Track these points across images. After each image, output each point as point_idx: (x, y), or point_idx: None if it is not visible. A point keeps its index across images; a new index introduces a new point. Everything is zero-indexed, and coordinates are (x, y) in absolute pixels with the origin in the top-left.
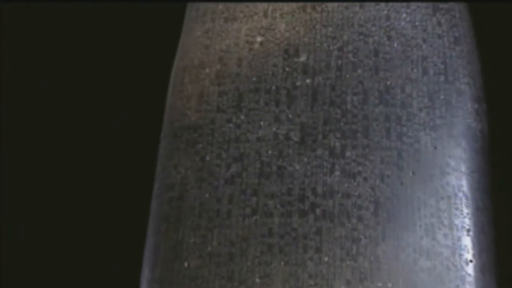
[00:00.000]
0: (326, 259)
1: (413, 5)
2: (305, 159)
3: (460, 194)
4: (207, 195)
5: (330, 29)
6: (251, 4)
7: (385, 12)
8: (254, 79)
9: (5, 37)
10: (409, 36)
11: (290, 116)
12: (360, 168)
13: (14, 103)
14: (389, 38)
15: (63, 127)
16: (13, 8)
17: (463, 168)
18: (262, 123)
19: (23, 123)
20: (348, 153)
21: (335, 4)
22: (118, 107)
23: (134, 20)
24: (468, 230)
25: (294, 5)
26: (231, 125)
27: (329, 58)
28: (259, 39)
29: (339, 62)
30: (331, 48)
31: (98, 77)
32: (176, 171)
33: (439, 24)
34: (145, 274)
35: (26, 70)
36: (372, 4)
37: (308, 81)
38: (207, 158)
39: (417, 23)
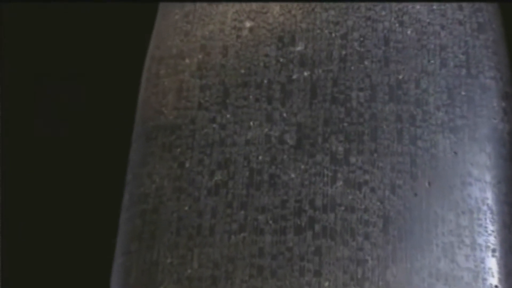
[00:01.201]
0: (326, 284)
1: None
2: (302, 166)
3: (484, 208)
4: (186, 208)
5: (332, 12)
6: None
7: None
8: (243, 71)
9: None
10: (425, 22)
11: (284, 115)
12: (366, 177)
13: None
14: (401, 24)
15: (16, 124)
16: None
17: (488, 177)
18: (251, 123)
19: None
20: (352, 159)
21: None
22: (80, 103)
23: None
24: (493, 251)
25: None
26: (215, 125)
27: (330, 47)
28: (248, 24)
29: (343, 52)
30: (333, 35)
31: (60, 69)
32: (150, 180)
33: (460, 8)
34: None
35: None
36: None
37: (306, 74)
38: (187, 164)
39: (434, 7)
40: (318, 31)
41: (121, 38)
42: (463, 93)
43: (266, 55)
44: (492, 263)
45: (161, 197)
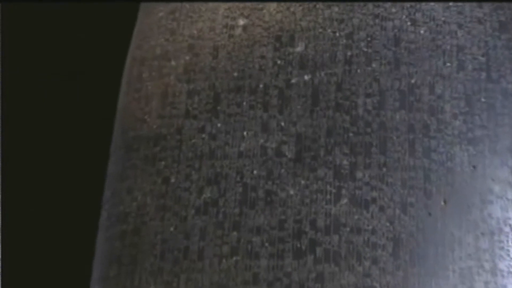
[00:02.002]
0: None
1: None
2: (302, 182)
3: (507, 229)
4: (172, 229)
5: (336, 9)
6: None
7: None
8: (235, 74)
9: None
10: (440, 20)
11: (282, 124)
12: (374, 194)
13: None
14: (413, 22)
15: None
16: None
17: (511, 194)
18: (245, 133)
19: None
20: (359, 174)
21: None
22: (54, 110)
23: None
24: None
25: None
26: (204, 135)
27: (334, 48)
28: (241, 22)
29: (348, 53)
30: (337, 34)
31: (32, 73)
32: (131, 197)
33: (480, 5)
34: None
35: None
36: None
37: (306, 77)
38: (172, 179)
39: (450, 4)
40: (320, 30)
41: (101, 38)
42: (482, 99)
43: (262, 57)
44: None
45: (143, 216)
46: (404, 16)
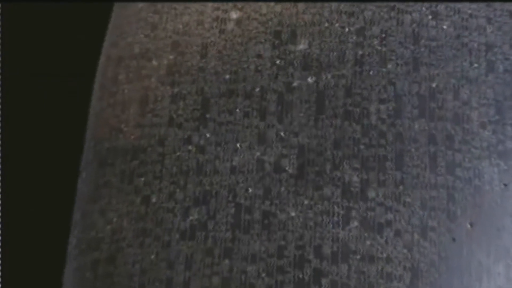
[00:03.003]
0: None
1: None
2: (305, 202)
3: None
4: (152, 257)
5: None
6: None
7: None
8: (227, 76)
9: None
10: (467, 13)
11: (282, 134)
12: (390, 216)
13: None
14: (435, 16)
15: None
16: None
17: None
18: (239, 145)
19: None
20: (371, 193)
21: None
22: (53, 111)
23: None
24: None
25: None
26: (191, 147)
27: (343, 46)
28: (234, 14)
29: (359, 51)
30: (347, 30)
31: (32, 73)
32: (105, 219)
33: None
34: None
35: None
36: None
37: (310, 80)
38: (153, 199)
39: None
40: (327, 24)
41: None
42: None
43: (259, 56)
44: None
45: (119, 242)
46: (424, 9)
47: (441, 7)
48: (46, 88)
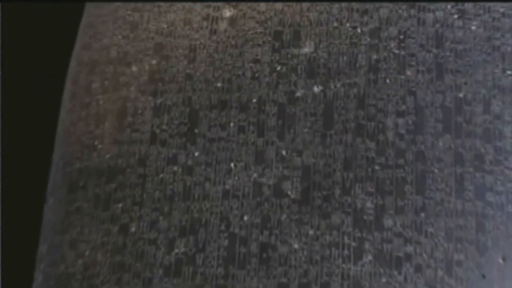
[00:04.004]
0: None
1: None
2: (311, 232)
3: None
4: None
5: None
6: None
7: None
8: (219, 84)
9: None
10: (498, 12)
11: (283, 153)
12: (409, 249)
13: None
14: (462, 14)
15: None
16: None
17: None
18: (232, 164)
19: None
20: (387, 222)
21: None
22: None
23: None
24: None
25: None
26: (176, 168)
27: (354, 49)
28: (228, 12)
29: (373, 56)
30: (359, 31)
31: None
32: (76, 253)
33: None
34: None
35: None
36: None
37: (316, 89)
38: (133, 228)
39: None
40: (336, 24)
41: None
42: None
43: (256, 61)
44: None
45: (92, 278)
46: (449, 6)
47: (468, 4)
48: (46, 87)
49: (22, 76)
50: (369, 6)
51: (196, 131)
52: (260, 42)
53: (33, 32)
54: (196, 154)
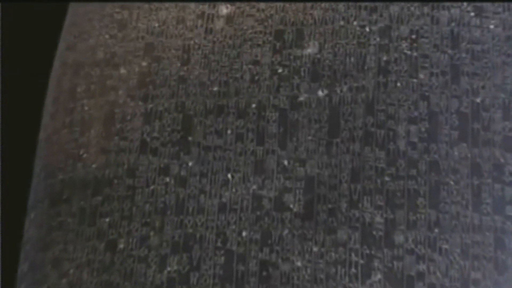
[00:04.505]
0: None
1: None
2: (315, 249)
3: None
4: None
5: None
6: None
7: None
8: (215, 88)
9: None
10: None
11: (285, 163)
12: (422, 267)
13: None
14: (479, 12)
15: None
16: None
17: None
18: (229, 175)
19: None
20: (398, 238)
21: None
22: None
23: None
24: None
25: None
26: (168, 179)
27: (362, 50)
28: (225, 10)
29: (383, 57)
30: (367, 29)
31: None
32: (59, 271)
33: None
34: None
35: None
36: None
37: (321, 93)
38: (121, 245)
39: None
40: (342, 22)
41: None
42: None
43: (255, 62)
44: None
45: None
46: (465, 4)
47: (486, 2)
48: (27, 91)
49: (2, 79)
50: (378, 3)
51: (190, 139)
52: (260, 42)
53: (13, 32)
54: (190, 164)
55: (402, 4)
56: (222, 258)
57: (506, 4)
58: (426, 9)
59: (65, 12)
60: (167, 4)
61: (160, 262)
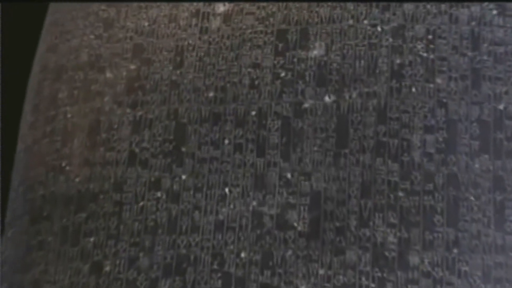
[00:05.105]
0: None
1: None
2: (321, 271)
3: None
4: None
5: None
6: None
7: None
8: (211, 94)
9: None
10: None
11: (288, 176)
12: None
13: None
14: (502, 11)
15: None
16: None
17: None
18: (227, 190)
19: None
20: (413, 259)
21: None
22: None
23: None
24: None
25: None
26: (160, 193)
27: (374, 52)
28: (222, 8)
29: (396, 60)
30: (379, 29)
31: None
32: None
33: None
34: None
35: None
36: None
37: (328, 99)
38: (107, 267)
39: None
40: (351, 21)
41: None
42: None
43: (255, 65)
44: None
45: None
46: (487, 2)
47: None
48: (3, 98)
49: None
50: (390, 2)
51: (183, 149)
52: (261, 43)
53: None
54: (184, 177)
55: (418, 3)
56: (219, 281)
57: None
58: (443, 7)
59: (46, 10)
60: (158, 2)
61: (150, 286)
